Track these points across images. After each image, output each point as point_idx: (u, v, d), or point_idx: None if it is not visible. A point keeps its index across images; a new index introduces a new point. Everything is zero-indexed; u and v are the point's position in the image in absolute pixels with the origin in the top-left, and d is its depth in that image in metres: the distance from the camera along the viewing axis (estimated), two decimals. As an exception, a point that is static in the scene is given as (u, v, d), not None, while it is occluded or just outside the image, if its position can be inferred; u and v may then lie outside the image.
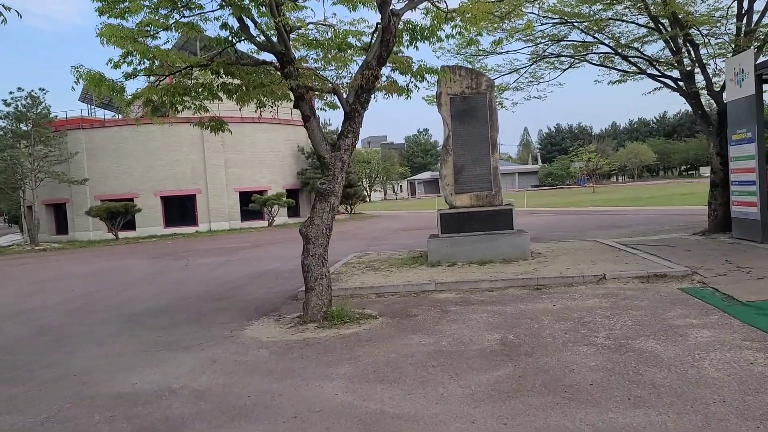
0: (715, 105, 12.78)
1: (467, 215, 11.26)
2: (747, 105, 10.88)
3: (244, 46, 8.77)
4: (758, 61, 10.74)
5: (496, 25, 12.03)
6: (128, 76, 7.65)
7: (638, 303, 7.29)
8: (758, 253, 9.99)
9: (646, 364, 5.00)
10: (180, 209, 33.77)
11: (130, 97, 7.90)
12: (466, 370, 5.25)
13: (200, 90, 8.36)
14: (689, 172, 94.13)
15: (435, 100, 11.89)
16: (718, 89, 12.66)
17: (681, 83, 13.09)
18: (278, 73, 8.13)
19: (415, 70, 8.03)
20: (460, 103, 11.49)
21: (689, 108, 14.15)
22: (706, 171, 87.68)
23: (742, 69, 10.91)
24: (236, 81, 8.30)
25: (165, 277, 13.99)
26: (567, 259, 10.66)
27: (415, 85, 8.44)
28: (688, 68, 12.84)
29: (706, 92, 12.76)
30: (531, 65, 15.01)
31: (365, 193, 48.60)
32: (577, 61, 15.37)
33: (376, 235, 22.74)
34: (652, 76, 13.60)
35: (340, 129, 7.93)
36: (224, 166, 34.14)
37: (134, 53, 7.10)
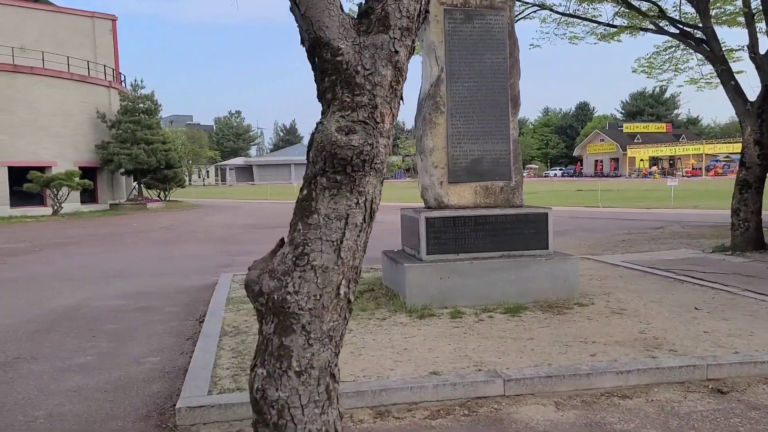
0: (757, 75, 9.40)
1: (473, 222, 6.34)
2: None
3: None
4: None
5: None
6: None
7: None
8: None
9: None
10: None
11: None
12: None
13: None
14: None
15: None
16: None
17: (705, 45, 9.62)
18: None
19: None
20: (462, 22, 6.48)
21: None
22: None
23: None
24: None
25: None
26: (640, 302, 6.32)
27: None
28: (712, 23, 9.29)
29: (748, 54, 9.36)
30: None
31: (185, 177, 40.83)
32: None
33: (223, 234, 16.56)
34: (672, 35, 9.99)
35: None
36: (-15, 130, 24.60)
37: None
